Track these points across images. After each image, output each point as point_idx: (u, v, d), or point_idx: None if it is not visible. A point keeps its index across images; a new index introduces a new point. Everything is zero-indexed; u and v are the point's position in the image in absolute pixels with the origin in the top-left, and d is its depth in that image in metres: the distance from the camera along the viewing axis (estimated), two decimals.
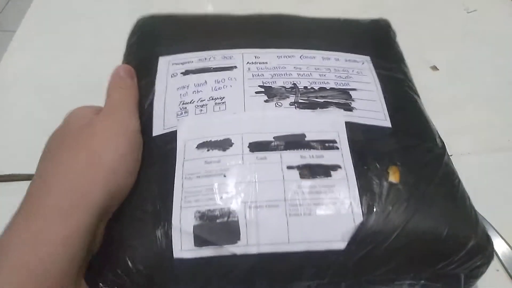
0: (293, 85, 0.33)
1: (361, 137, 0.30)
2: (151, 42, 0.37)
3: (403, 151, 0.30)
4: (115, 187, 0.26)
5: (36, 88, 0.48)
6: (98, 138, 0.27)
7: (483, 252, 0.29)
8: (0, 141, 0.42)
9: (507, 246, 0.36)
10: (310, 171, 0.28)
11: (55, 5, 0.57)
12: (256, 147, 0.29)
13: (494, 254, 0.32)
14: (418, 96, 0.36)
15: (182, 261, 0.26)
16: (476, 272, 0.29)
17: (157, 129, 0.31)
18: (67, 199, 0.24)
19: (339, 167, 0.29)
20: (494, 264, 0.34)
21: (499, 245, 0.36)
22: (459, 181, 0.31)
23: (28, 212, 0.24)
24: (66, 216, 0.24)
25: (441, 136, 0.33)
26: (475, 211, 0.30)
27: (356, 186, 0.28)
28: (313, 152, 0.29)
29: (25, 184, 0.27)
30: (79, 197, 0.25)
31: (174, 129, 0.30)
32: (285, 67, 0.34)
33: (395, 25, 0.42)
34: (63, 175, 0.26)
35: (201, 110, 0.31)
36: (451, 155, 0.33)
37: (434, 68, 0.50)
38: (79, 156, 0.26)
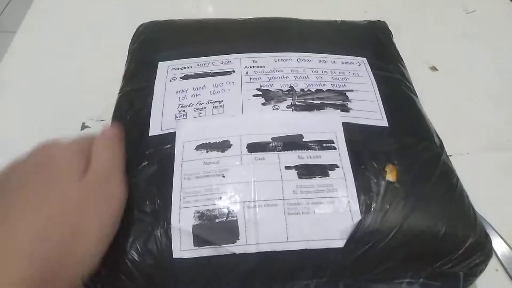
0: (290, 88, 0.33)
1: (358, 137, 0.31)
2: (151, 48, 0.38)
3: (400, 150, 0.31)
4: (91, 255, 0.26)
5: (36, 88, 0.48)
6: (87, 208, 0.26)
7: (482, 250, 0.29)
8: (0, 142, 0.42)
9: (507, 246, 0.35)
10: (308, 171, 0.29)
11: (54, 6, 0.57)
12: (254, 148, 0.30)
13: (493, 253, 0.32)
14: (416, 95, 0.36)
15: (182, 261, 0.27)
16: (475, 270, 0.29)
17: (155, 129, 0.31)
18: (46, 272, 0.23)
19: (337, 166, 0.29)
20: (493, 264, 0.34)
21: (498, 245, 0.35)
22: (457, 179, 0.31)
23: None
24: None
25: (441, 136, 0.34)
26: (473, 209, 0.30)
27: (354, 185, 0.28)
28: (310, 152, 0.30)
29: None
30: (59, 269, 0.24)
31: (172, 131, 0.31)
32: (282, 70, 0.34)
33: (394, 26, 0.42)
34: (40, 241, 0.24)
35: (200, 113, 0.32)
36: (450, 155, 0.33)
37: (434, 68, 0.50)
38: (67, 220, 0.25)
